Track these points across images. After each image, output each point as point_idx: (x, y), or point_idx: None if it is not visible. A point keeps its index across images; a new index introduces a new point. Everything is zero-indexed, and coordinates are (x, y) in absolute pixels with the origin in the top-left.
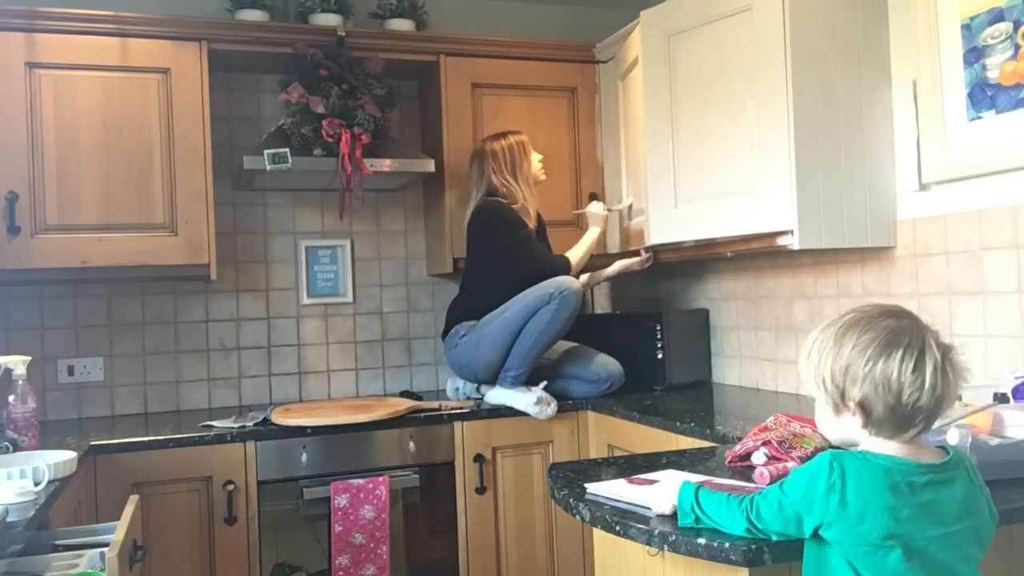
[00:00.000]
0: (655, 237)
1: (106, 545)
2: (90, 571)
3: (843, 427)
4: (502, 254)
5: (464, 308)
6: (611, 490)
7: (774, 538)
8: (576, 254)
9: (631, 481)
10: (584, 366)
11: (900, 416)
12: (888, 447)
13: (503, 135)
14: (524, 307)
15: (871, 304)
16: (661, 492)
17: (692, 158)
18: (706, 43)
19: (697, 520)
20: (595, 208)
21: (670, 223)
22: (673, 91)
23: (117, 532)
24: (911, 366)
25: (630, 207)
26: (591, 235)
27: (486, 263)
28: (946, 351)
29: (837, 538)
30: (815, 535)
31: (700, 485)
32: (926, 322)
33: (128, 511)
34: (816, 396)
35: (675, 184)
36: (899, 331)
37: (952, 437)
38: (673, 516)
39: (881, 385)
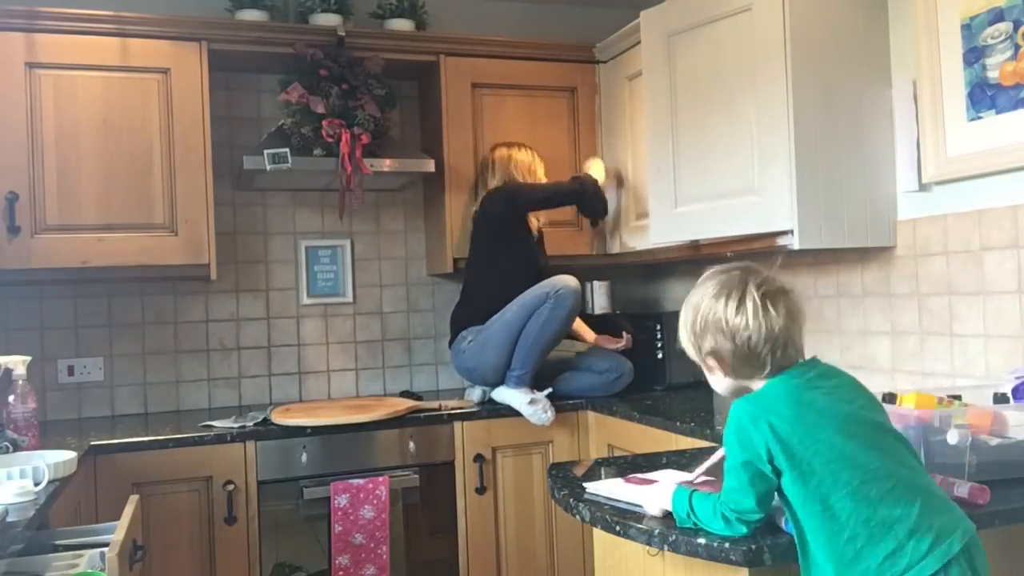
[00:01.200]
0: (656, 237)
1: (106, 545)
2: (90, 571)
3: (719, 381)
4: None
5: (469, 313)
6: (610, 489)
7: (755, 516)
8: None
9: (628, 480)
10: (593, 360)
11: (746, 357)
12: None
13: (524, 146)
14: (523, 307)
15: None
16: (654, 494)
17: (692, 158)
18: (706, 43)
19: (695, 525)
20: (597, 169)
21: (671, 223)
22: (673, 91)
23: (117, 532)
24: (733, 309)
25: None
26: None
27: (500, 244)
28: (766, 292)
29: (787, 456)
30: (780, 478)
31: (694, 490)
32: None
33: (128, 511)
34: (695, 360)
35: (675, 184)
36: (723, 282)
37: (952, 437)
38: (665, 517)
39: (718, 332)
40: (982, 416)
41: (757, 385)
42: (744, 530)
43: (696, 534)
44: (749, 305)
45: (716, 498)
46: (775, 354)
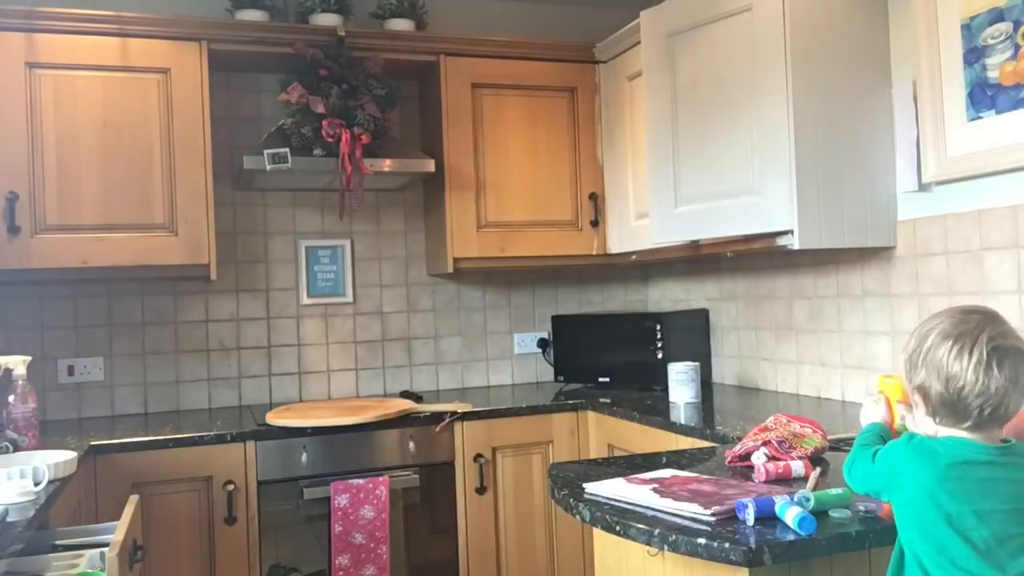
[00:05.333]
0: (656, 237)
1: (106, 545)
2: (90, 571)
3: (920, 419)
4: None
5: None
6: (612, 490)
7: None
8: None
9: (630, 480)
10: None
11: (951, 405)
12: (954, 433)
13: None
14: None
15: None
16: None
17: (692, 158)
18: (706, 43)
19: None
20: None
21: (671, 224)
22: (673, 91)
23: (117, 532)
24: (955, 356)
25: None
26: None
27: None
28: (995, 348)
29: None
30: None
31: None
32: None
33: (128, 511)
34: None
35: (675, 184)
36: (961, 322)
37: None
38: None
39: (932, 371)
40: None
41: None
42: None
43: (696, 534)
44: (975, 356)
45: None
46: (983, 411)
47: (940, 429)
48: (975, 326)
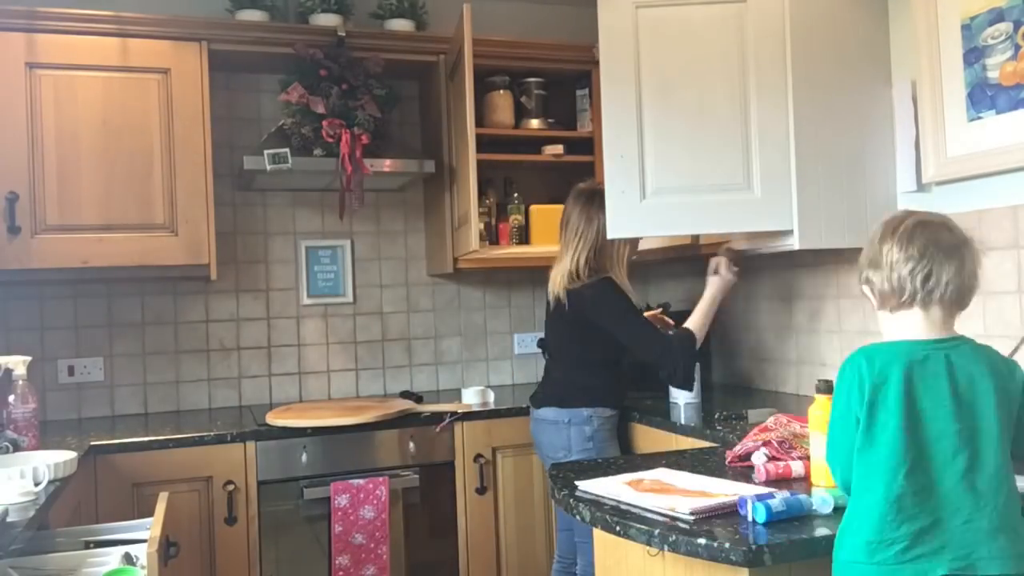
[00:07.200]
0: (614, 232)
1: (127, 543)
2: (124, 567)
3: (879, 318)
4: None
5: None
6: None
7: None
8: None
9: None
10: None
11: (892, 287)
12: (901, 326)
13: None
14: None
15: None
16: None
17: (665, 148)
18: (681, 24)
19: None
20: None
21: (634, 216)
22: (637, 72)
23: (152, 528)
24: (886, 242)
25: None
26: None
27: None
28: (920, 223)
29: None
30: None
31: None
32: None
33: (160, 508)
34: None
35: (642, 174)
36: (899, 219)
37: None
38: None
39: (872, 265)
40: None
41: (884, 328)
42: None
43: (697, 534)
44: (898, 234)
45: None
46: (925, 288)
47: (894, 320)
48: (903, 215)
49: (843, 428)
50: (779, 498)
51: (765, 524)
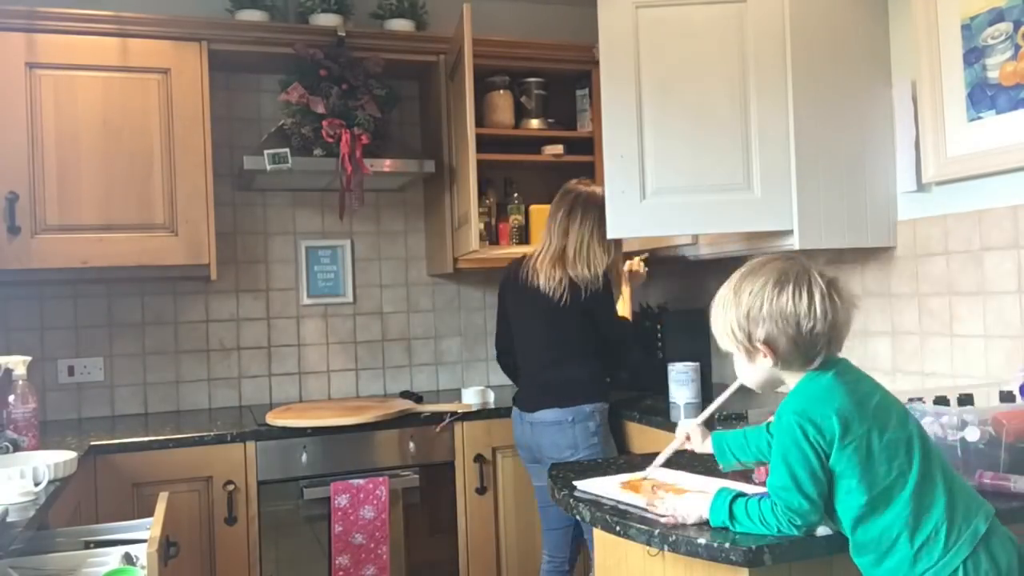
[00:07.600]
0: (614, 231)
1: (129, 543)
2: (124, 567)
3: (759, 370)
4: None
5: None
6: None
7: (815, 518)
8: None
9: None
10: None
11: (803, 346)
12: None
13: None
14: None
15: (760, 256)
16: (690, 504)
17: (666, 147)
18: (682, 25)
19: (734, 529)
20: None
21: (634, 216)
22: (637, 72)
23: (152, 528)
24: (801, 298)
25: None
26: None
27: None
28: (830, 281)
29: (839, 458)
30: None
31: (734, 498)
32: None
33: (160, 508)
34: (731, 349)
35: (642, 174)
36: (784, 271)
37: (971, 435)
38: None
39: (780, 320)
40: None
41: (794, 380)
42: (795, 532)
43: (697, 535)
44: (817, 293)
45: (765, 501)
46: (830, 346)
47: (789, 379)
48: (801, 268)
49: None
50: None
51: None
